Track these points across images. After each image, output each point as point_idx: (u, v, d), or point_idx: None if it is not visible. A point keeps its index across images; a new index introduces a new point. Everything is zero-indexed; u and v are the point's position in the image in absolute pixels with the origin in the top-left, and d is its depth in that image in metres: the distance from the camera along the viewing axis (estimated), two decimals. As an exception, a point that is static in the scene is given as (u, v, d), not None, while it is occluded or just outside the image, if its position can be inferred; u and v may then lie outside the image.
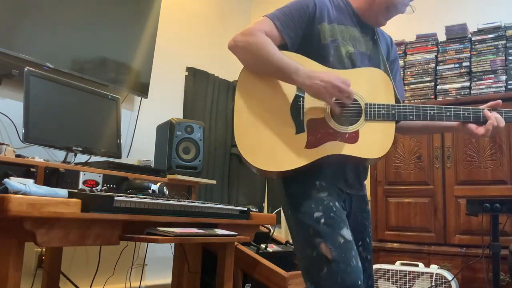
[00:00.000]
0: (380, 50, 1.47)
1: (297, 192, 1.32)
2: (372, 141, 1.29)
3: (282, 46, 1.33)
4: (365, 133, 1.30)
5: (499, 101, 1.38)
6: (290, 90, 1.32)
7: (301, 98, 1.31)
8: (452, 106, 1.36)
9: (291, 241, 2.79)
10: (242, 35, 1.30)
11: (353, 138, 1.29)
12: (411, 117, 1.34)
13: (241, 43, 1.29)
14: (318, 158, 1.26)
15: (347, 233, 1.25)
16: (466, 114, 1.35)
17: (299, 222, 1.29)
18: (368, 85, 1.34)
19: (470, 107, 1.36)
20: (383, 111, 1.31)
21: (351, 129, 1.30)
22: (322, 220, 1.25)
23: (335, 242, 1.22)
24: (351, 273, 1.20)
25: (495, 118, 1.33)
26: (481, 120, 1.35)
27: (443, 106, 1.36)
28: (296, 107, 1.30)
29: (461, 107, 1.36)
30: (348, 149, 1.28)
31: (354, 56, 1.38)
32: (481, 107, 1.38)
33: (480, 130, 1.34)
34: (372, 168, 3.15)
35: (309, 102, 1.30)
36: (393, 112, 1.31)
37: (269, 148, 1.26)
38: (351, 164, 1.38)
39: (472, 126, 1.36)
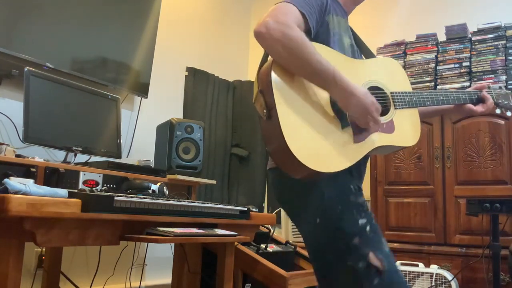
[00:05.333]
0: (359, 37, 1.47)
1: (332, 197, 1.19)
2: (406, 129, 1.33)
3: None
4: (398, 122, 1.32)
5: (485, 83, 1.54)
6: None
7: None
8: (453, 90, 1.50)
9: (291, 241, 2.79)
10: (278, 23, 1.12)
11: (390, 127, 1.30)
12: (428, 103, 1.39)
13: (277, 34, 1.11)
14: (368, 151, 1.23)
15: (385, 240, 1.19)
16: (463, 97, 1.49)
17: (336, 231, 1.17)
18: (387, 74, 1.35)
19: (465, 91, 1.52)
20: (407, 99, 1.34)
21: (385, 119, 1.29)
22: (368, 228, 1.16)
23: (383, 251, 1.15)
24: (403, 282, 1.15)
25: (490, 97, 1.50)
26: (474, 101, 1.50)
27: (447, 90, 1.46)
28: None
29: (459, 91, 1.50)
30: (390, 139, 1.28)
31: (352, 48, 1.36)
32: (470, 88, 1.54)
33: (479, 108, 1.49)
34: (372, 168, 3.15)
35: None
36: (414, 99, 1.36)
37: (323, 148, 1.15)
38: (366, 161, 1.37)
39: (470, 106, 1.50)
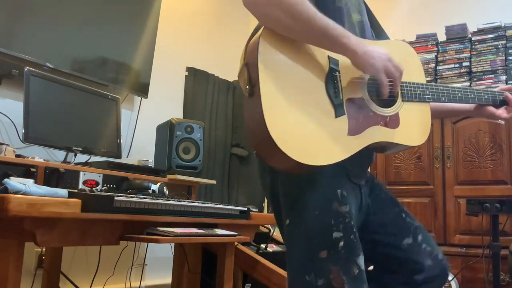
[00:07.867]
0: (374, 15, 1.34)
1: (312, 199, 1.04)
2: (412, 125, 1.16)
3: None
4: (405, 117, 1.15)
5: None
6: (322, 62, 1.05)
7: (337, 73, 1.05)
8: (475, 89, 1.32)
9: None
10: None
11: (394, 122, 1.12)
12: (443, 99, 1.23)
13: None
14: (363, 147, 1.06)
15: (361, 261, 1.04)
16: (486, 97, 1.31)
17: (305, 237, 1.04)
18: (399, 61, 1.16)
19: (489, 90, 1.32)
20: (419, 91, 1.18)
21: (390, 111, 1.12)
22: (341, 244, 1.01)
23: (350, 272, 1.01)
24: None
25: None
26: (498, 103, 1.32)
27: (467, 88, 1.31)
28: (332, 83, 1.04)
29: (481, 89, 1.32)
30: (392, 136, 1.11)
31: (362, 25, 1.21)
32: (497, 89, 1.34)
33: (502, 113, 1.31)
34: (372, 168, 3.15)
35: (345, 77, 1.07)
36: (428, 92, 1.20)
37: (310, 136, 0.98)
38: (372, 153, 1.23)
39: (491, 108, 1.32)
